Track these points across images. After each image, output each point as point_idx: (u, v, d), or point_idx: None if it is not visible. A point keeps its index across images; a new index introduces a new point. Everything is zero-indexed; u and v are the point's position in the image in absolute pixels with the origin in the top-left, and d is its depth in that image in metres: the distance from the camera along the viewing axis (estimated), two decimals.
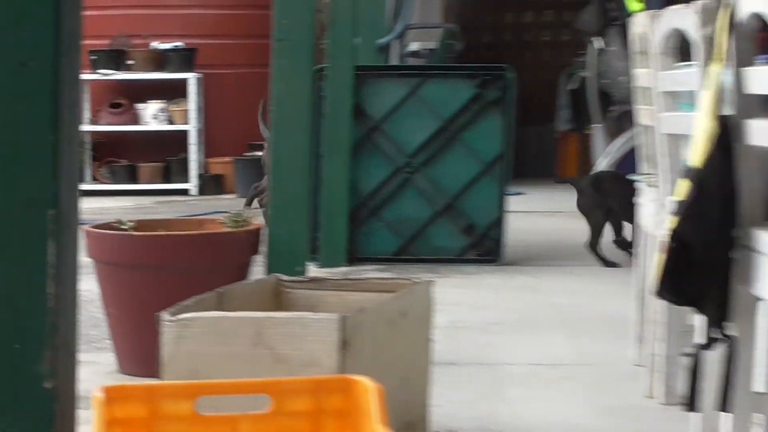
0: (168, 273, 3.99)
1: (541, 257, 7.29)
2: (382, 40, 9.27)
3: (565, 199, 10.54)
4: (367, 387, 2.18)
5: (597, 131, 11.14)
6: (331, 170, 6.64)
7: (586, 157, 11.74)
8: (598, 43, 10.44)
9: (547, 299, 5.91)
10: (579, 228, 7.82)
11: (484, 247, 6.86)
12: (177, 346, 2.97)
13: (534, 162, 12.68)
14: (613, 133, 10.27)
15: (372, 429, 2.10)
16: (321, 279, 3.79)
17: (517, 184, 11.16)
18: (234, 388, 2.20)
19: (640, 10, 4.57)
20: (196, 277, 3.72)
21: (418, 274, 6.39)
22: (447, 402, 3.85)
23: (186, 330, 2.97)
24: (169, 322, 2.97)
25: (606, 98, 10.34)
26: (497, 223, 6.87)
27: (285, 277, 3.65)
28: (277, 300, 3.49)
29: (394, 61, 9.63)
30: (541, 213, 9.53)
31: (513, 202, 9.55)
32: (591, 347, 4.78)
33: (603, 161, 10.67)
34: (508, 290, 6.15)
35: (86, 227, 4.32)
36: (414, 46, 10.15)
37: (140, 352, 3.77)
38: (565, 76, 12.20)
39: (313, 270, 6.24)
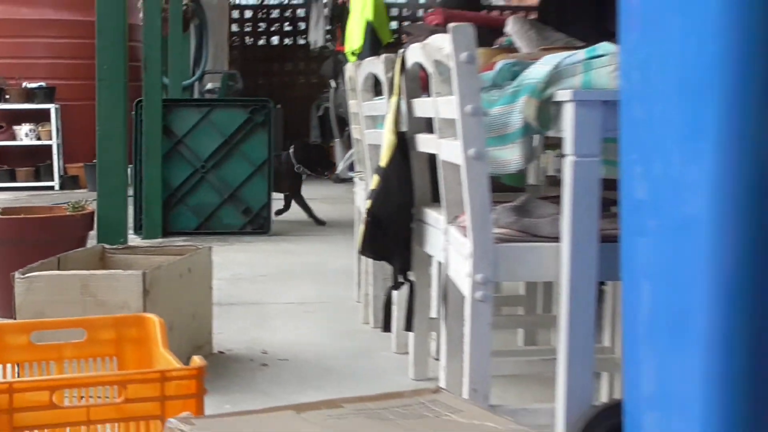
0: (24, 244, 3.88)
1: (298, 230, 7.29)
2: (186, 82, 9.23)
3: (317, 189, 10.61)
4: (155, 321, 2.18)
5: (337, 144, 11.27)
6: (149, 171, 6.58)
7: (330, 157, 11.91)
8: (334, 84, 10.60)
9: (301, 259, 5.93)
10: (325, 209, 7.87)
11: (258, 224, 6.87)
12: (26, 296, 2.92)
13: None
14: (347, 145, 10.42)
15: (157, 351, 2.10)
16: (134, 246, 3.74)
17: None
18: (58, 324, 2.18)
19: (354, 61, 4.62)
20: (44, 247, 3.61)
21: (211, 243, 6.29)
22: (226, 330, 3.84)
23: (33, 284, 2.93)
24: (20, 278, 2.93)
25: (342, 122, 10.50)
26: (266, 207, 6.88)
27: (108, 246, 3.61)
28: (102, 262, 3.45)
29: (196, 95, 9.60)
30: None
31: (280, 194, 9.60)
32: (328, 291, 4.82)
33: (341, 165, 10.80)
34: (274, 253, 6.15)
35: None
36: (209, 86, 10.13)
37: (6, 300, 3.65)
38: (315, 107, 12.30)
39: (137, 241, 6.15)
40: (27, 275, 2.95)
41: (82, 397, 1.86)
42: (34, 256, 3.25)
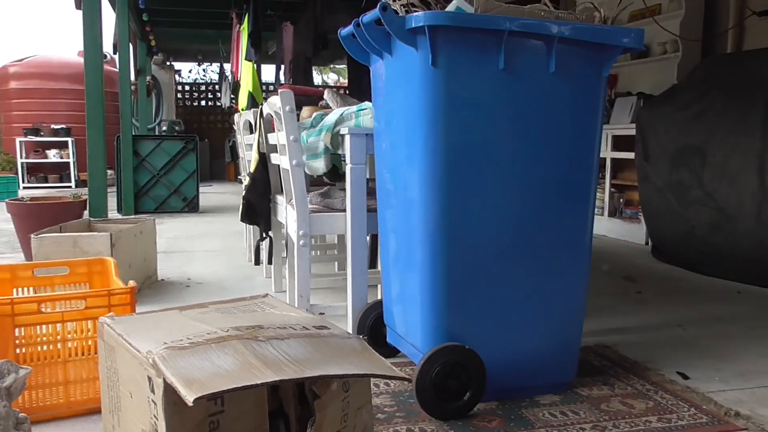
0: (42, 218, 3.56)
1: (216, 209, 7.04)
2: (150, 126, 8.82)
3: (226, 188, 10.31)
4: (111, 261, 2.03)
5: (240, 162, 11.00)
6: (125, 176, 6.24)
7: (237, 172, 11.55)
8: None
9: (215, 226, 5.71)
10: (230, 198, 7.63)
11: (191, 206, 6.59)
12: (39, 249, 2.69)
13: (217, 173, 12.31)
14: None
15: (112, 278, 1.96)
16: (110, 219, 3.50)
17: (209, 182, 10.86)
18: (50, 264, 2.00)
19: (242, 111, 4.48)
20: (54, 220, 3.32)
21: (163, 218, 6.11)
22: (167, 267, 3.66)
23: (42, 241, 2.70)
24: (34, 237, 2.71)
25: None
26: (196, 196, 6.62)
27: (93, 219, 3.38)
28: (89, 228, 3.21)
29: (156, 133, 9.17)
30: (218, 193, 9.22)
31: (206, 189, 9.26)
32: (229, 243, 4.66)
33: (244, 173, 10.53)
34: (200, 223, 5.91)
35: (7, 200, 3.89)
36: (164, 128, 9.70)
37: (28, 251, 3.36)
38: (227, 140, 11.91)
39: (118, 217, 5.81)
40: (39, 236, 2.73)
41: (65, 307, 1.73)
42: (47, 225, 3.04)
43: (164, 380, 0.94)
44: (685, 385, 1.90)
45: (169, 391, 0.94)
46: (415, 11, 1.59)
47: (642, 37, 1.66)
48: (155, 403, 0.97)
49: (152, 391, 0.98)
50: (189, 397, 0.86)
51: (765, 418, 1.68)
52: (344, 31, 1.79)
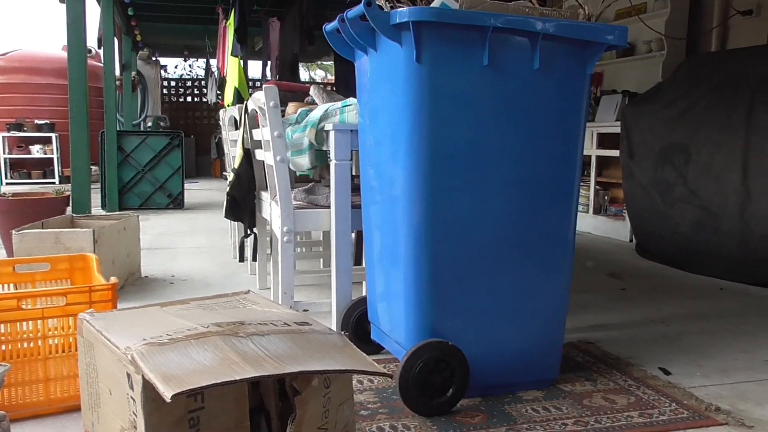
0: (25, 214, 3.50)
1: (201, 206, 6.98)
2: (135, 121, 8.75)
3: (212, 184, 10.24)
4: (92, 257, 2.01)
5: (227, 158, 10.92)
6: (110, 173, 6.17)
7: (222, 168, 11.48)
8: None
9: (200, 222, 5.68)
10: (216, 195, 7.58)
11: (176, 203, 6.53)
12: (20, 244, 2.66)
13: (203, 169, 12.22)
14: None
15: (93, 275, 1.94)
16: (93, 215, 3.43)
17: (194, 178, 10.77)
18: (30, 260, 1.97)
19: (228, 107, 4.44)
20: (37, 216, 3.27)
21: (148, 214, 6.07)
22: (150, 264, 3.64)
23: (24, 237, 2.67)
24: (15, 233, 2.67)
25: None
26: (181, 192, 6.55)
27: (76, 215, 3.33)
28: (72, 224, 3.17)
29: (142, 128, 9.09)
30: (204, 189, 9.14)
31: (192, 185, 9.20)
32: (214, 240, 4.64)
33: (229, 169, 10.45)
34: (185, 219, 5.87)
35: None
36: (149, 123, 9.61)
37: (10, 247, 3.30)
38: (213, 137, 11.83)
39: (102, 213, 5.75)
40: (20, 231, 2.70)
41: (45, 304, 1.71)
42: (30, 221, 2.99)
43: (143, 377, 0.93)
44: (667, 380, 1.92)
45: (148, 388, 0.93)
46: (400, 7, 1.58)
47: (626, 34, 1.67)
48: (134, 400, 0.97)
49: (131, 387, 0.97)
50: (167, 393, 0.86)
51: (745, 413, 1.70)
52: (329, 27, 1.79)
